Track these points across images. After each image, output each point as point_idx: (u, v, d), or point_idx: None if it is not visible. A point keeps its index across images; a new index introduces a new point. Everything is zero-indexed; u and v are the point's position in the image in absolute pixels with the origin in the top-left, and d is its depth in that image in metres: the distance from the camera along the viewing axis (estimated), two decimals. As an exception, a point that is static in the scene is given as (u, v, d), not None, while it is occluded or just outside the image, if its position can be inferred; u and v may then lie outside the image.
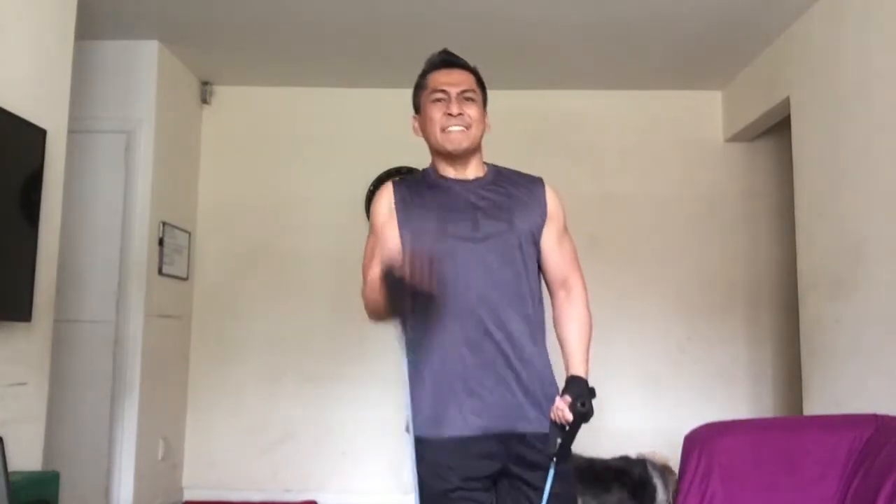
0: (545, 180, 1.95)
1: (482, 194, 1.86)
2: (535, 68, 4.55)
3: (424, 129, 1.92)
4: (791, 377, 4.52)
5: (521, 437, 1.75)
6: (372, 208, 1.93)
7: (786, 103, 4.05)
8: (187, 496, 4.66)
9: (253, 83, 4.92)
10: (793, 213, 4.00)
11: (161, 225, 4.33)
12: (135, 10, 3.90)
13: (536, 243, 1.87)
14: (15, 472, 2.40)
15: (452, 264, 1.76)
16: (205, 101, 4.92)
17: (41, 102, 2.86)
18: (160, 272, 4.32)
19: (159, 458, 4.35)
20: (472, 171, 1.91)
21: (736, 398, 4.69)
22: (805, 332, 3.83)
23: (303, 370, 4.76)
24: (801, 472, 2.53)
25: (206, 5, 3.83)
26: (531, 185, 1.93)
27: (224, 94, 4.97)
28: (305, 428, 4.72)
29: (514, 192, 1.89)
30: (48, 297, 2.91)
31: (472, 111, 1.86)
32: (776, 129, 4.52)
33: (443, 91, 1.86)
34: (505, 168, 1.97)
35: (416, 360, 1.79)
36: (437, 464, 1.72)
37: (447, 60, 1.93)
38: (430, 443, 1.74)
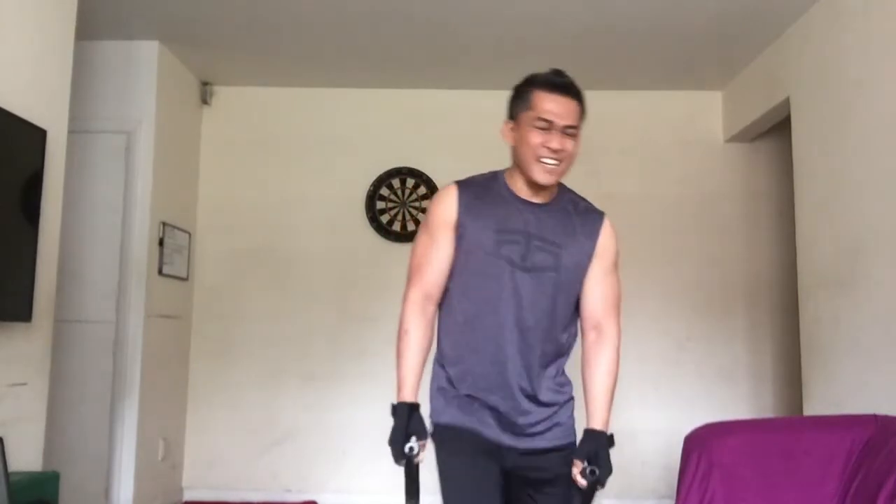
0: (606, 216, 1.95)
1: (542, 223, 1.85)
2: (536, 69, 4.53)
3: (518, 146, 1.84)
4: (791, 377, 4.52)
5: (535, 452, 1.84)
6: (433, 207, 1.90)
7: (786, 103, 4.05)
8: (187, 496, 4.66)
9: (253, 83, 4.92)
10: (793, 213, 4.00)
11: (161, 225, 4.33)
12: (135, 10, 3.90)
13: (580, 280, 1.87)
14: (15, 472, 2.40)
15: (497, 286, 1.80)
16: (205, 101, 4.92)
17: (41, 102, 2.86)
18: (160, 272, 4.32)
19: (159, 458, 4.35)
20: (544, 195, 1.88)
21: (736, 398, 4.69)
22: (805, 332, 3.82)
23: (303, 370, 4.76)
24: (801, 472, 2.53)
25: (206, 5, 3.82)
26: (590, 218, 1.91)
27: (224, 94, 4.97)
28: (305, 428, 4.72)
29: (571, 222, 1.88)
30: (48, 297, 2.91)
31: (569, 146, 1.80)
32: (776, 129, 4.52)
33: (548, 121, 1.78)
34: (573, 193, 1.95)
35: (448, 372, 1.90)
36: (458, 436, 1.86)
37: (561, 85, 1.83)
38: (452, 426, 1.87)
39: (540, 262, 1.81)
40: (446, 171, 4.81)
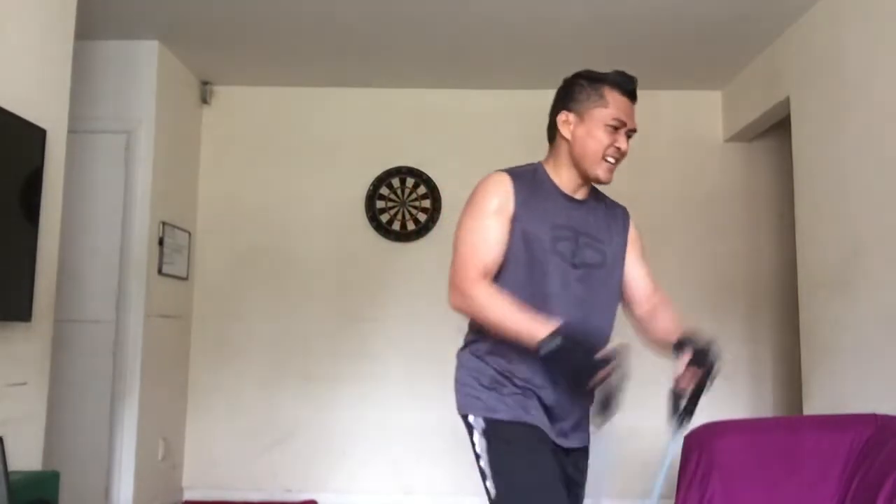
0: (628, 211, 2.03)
1: (586, 219, 1.87)
2: (536, 68, 4.55)
3: (580, 140, 1.82)
4: (791, 377, 4.52)
5: (581, 451, 1.87)
6: (487, 194, 1.80)
7: (786, 103, 4.05)
8: (187, 496, 4.66)
9: (253, 83, 4.92)
10: (793, 213, 4.00)
11: (161, 225, 4.33)
12: (135, 10, 3.90)
13: (620, 274, 1.93)
14: (15, 472, 2.40)
15: (552, 283, 1.77)
16: (205, 101, 4.92)
17: (41, 102, 2.86)
18: (160, 272, 4.32)
19: (159, 458, 4.35)
20: (583, 192, 1.91)
21: (736, 398, 4.69)
22: (805, 332, 3.82)
23: (303, 370, 4.76)
24: (801, 472, 2.53)
25: (206, 5, 3.82)
26: (618, 213, 1.99)
27: (224, 94, 4.97)
28: (305, 428, 4.72)
29: (606, 218, 1.93)
30: (48, 297, 2.91)
31: (627, 149, 1.84)
32: (776, 129, 4.52)
33: (622, 122, 1.80)
34: (601, 193, 1.98)
35: (499, 366, 1.80)
36: (526, 434, 1.75)
37: (633, 90, 1.85)
38: (518, 423, 1.75)
39: (589, 259, 1.82)
40: (446, 170, 4.84)
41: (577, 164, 1.84)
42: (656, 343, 1.92)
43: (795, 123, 3.95)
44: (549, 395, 1.78)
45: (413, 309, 4.73)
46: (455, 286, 1.75)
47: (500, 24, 4.00)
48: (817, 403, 3.67)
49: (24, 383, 2.78)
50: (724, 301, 4.78)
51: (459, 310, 1.77)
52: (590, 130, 1.81)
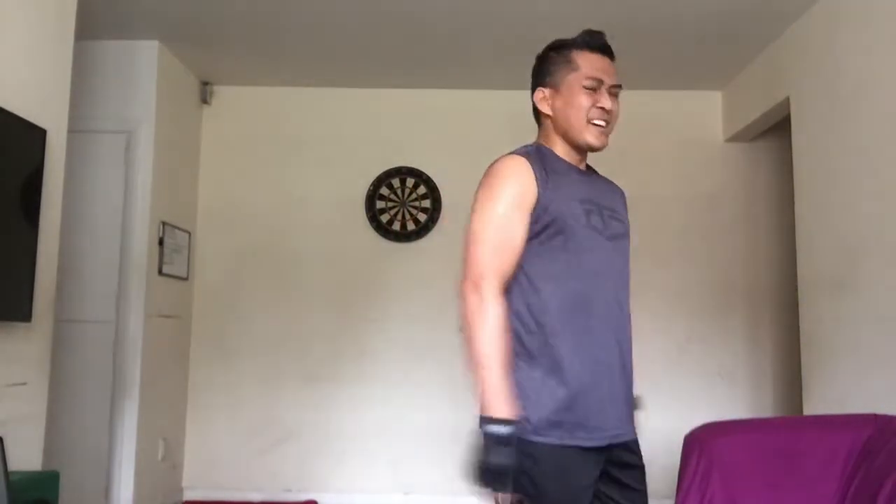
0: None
1: (599, 190, 1.78)
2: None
3: (562, 111, 1.74)
4: (791, 377, 4.52)
5: (626, 445, 1.73)
6: (507, 181, 1.66)
7: (786, 103, 4.05)
8: (187, 496, 4.66)
9: (253, 83, 4.92)
10: (793, 213, 4.00)
11: (161, 225, 4.33)
12: (135, 10, 3.90)
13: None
14: (15, 472, 2.40)
15: (595, 259, 1.67)
16: (205, 101, 4.92)
17: (41, 102, 2.86)
18: (160, 272, 4.32)
19: (159, 458, 4.35)
20: (583, 164, 1.82)
21: (736, 398, 4.69)
22: (805, 332, 3.82)
23: (303, 370, 4.76)
24: (801, 472, 2.53)
25: (206, 5, 3.83)
26: (617, 188, 1.90)
27: (224, 94, 4.97)
28: (305, 428, 4.72)
29: (614, 194, 1.86)
30: (48, 297, 2.91)
31: (616, 108, 1.74)
32: (776, 129, 4.52)
33: (598, 80, 1.70)
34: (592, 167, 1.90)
35: (544, 355, 1.63)
36: (565, 466, 1.59)
37: (603, 44, 1.75)
38: (559, 448, 1.59)
39: (616, 230, 1.75)
40: (446, 170, 4.85)
41: (566, 137, 1.76)
42: None
43: (795, 123, 3.95)
44: (609, 381, 1.71)
45: (413, 309, 4.74)
46: (473, 283, 1.61)
47: (500, 24, 4.00)
48: (817, 403, 3.67)
49: (24, 383, 2.78)
50: (724, 301, 4.78)
51: (463, 303, 1.62)
52: (567, 99, 1.73)
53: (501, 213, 1.64)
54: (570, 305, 1.64)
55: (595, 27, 1.83)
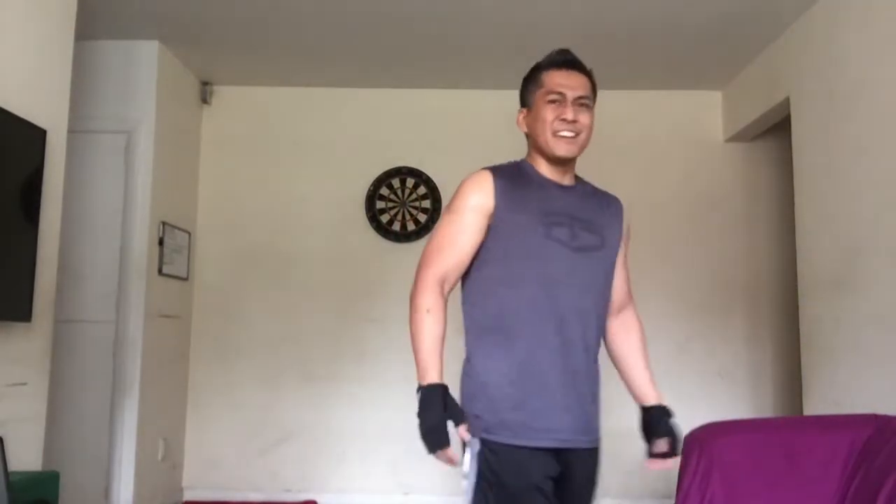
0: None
1: (578, 204, 1.86)
2: (535, 68, 4.55)
3: (532, 127, 1.87)
4: (791, 377, 4.52)
5: (589, 451, 1.83)
6: (465, 192, 1.81)
7: (786, 103, 4.05)
8: (187, 496, 4.66)
9: (253, 83, 4.92)
10: (793, 213, 4.00)
11: (161, 225, 4.33)
12: (135, 10, 3.90)
13: (616, 255, 1.91)
14: (15, 472, 2.40)
15: (553, 268, 1.77)
16: (205, 101, 4.92)
17: (41, 102, 2.86)
18: (160, 272, 4.32)
19: (159, 458, 4.35)
20: (569, 178, 1.90)
21: (736, 398, 4.69)
22: (805, 332, 3.83)
23: (303, 370, 4.76)
24: (801, 472, 2.53)
25: (206, 5, 3.83)
26: (614, 204, 1.96)
27: (224, 94, 4.97)
28: (305, 428, 4.72)
29: (602, 207, 1.91)
30: (48, 297, 2.91)
31: (584, 118, 1.83)
32: (776, 129, 4.52)
33: (559, 93, 1.82)
34: (588, 182, 1.97)
35: (495, 357, 1.76)
36: (518, 462, 1.70)
37: (568, 61, 1.86)
38: (510, 448, 1.71)
39: (588, 243, 1.82)
40: (446, 171, 4.83)
41: (540, 152, 1.86)
42: (624, 382, 2.00)
43: (795, 123, 3.95)
44: (559, 384, 1.79)
45: (413, 309, 4.73)
46: (415, 281, 1.79)
47: (500, 24, 4.00)
48: (817, 403, 3.67)
49: (24, 383, 2.78)
50: (724, 301, 4.78)
51: (410, 301, 1.79)
52: (535, 115, 1.85)
53: (451, 218, 1.81)
54: (522, 310, 1.76)
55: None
